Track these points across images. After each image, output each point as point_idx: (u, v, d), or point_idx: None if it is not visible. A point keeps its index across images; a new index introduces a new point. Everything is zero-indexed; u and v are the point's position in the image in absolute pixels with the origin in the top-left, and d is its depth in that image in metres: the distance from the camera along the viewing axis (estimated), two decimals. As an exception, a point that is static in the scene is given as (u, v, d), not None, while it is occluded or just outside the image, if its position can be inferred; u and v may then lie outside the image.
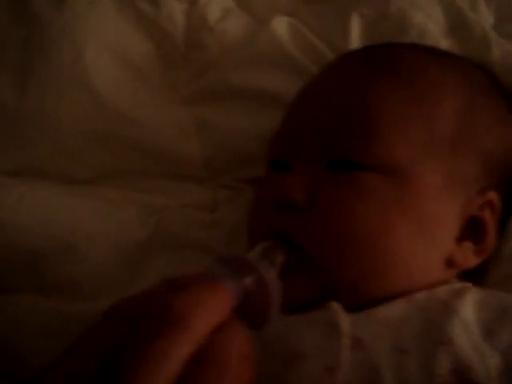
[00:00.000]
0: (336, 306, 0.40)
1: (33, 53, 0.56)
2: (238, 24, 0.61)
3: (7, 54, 0.56)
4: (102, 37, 0.58)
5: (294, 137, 0.46)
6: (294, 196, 0.41)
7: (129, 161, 0.58)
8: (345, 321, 0.38)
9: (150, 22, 0.59)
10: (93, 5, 0.58)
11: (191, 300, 0.28)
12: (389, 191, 0.41)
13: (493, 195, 0.44)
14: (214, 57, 0.60)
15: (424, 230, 0.41)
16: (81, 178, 0.58)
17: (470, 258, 0.43)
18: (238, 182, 0.58)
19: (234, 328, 0.29)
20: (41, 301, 0.51)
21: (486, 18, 0.63)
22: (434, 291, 0.42)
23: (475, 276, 0.46)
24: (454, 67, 0.48)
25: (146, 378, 0.25)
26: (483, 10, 0.64)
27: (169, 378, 0.26)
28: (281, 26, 0.60)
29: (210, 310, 0.28)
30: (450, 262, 0.43)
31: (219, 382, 0.27)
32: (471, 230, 0.43)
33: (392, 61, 0.47)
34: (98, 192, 0.57)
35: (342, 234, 0.40)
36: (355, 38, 0.60)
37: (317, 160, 0.43)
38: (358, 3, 0.61)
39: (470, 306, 0.39)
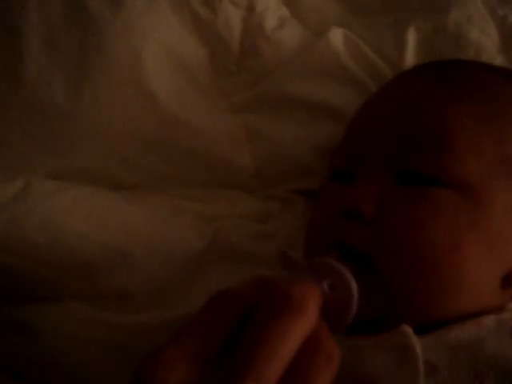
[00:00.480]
0: (408, 329, 0.39)
1: (88, 53, 0.55)
2: (294, 34, 0.60)
3: (62, 54, 0.55)
4: (158, 38, 0.56)
5: (360, 149, 0.45)
6: (364, 207, 0.41)
7: (180, 167, 0.57)
8: (417, 345, 0.37)
9: (206, 26, 0.58)
10: (150, 6, 0.56)
11: (303, 291, 0.30)
12: (460, 208, 0.40)
13: None
14: (269, 66, 0.59)
15: (492, 250, 0.41)
16: (130, 183, 0.57)
17: None
18: (290, 194, 0.58)
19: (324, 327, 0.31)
20: (90, 311, 0.50)
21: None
22: (502, 317, 0.41)
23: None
24: None
25: (268, 356, 0.28)
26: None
27: (289, 357, 0.29)
28: (337, 37, 0.59)
29: (317, 304, 0.31)
30: (509, 282, 0.42)
31: (326, 369, 0.29)
32: None
33: (464, 77, 0.47)
34: (149, 199, 0.56)
35: (410, 249, 0.40)
36: (411, 52, 0.59)
37: (385, 172, 0.43)
38: (414, 16, 0.60)
39: None
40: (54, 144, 0.55)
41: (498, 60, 0.59)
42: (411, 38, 0.60)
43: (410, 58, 0.60)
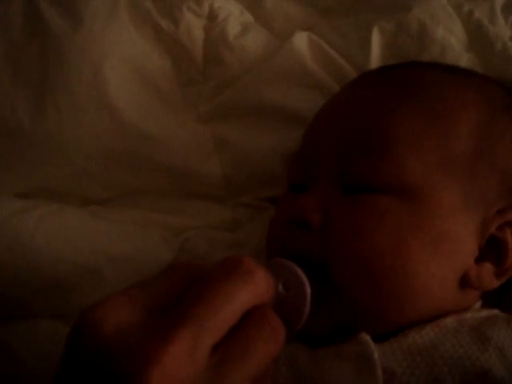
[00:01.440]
0: (366, 338, 0.39)
1: (49, 71, 0.54)
2: (258, 40, 0.59)
3: (22, 73, 0.55)
4: (120, 53, 0.56)
5: (311, 158, 0.47)
6: (309, 216, 0.42)
7: (149, 180, 0.57)
8: (376, 353, 0.38)
9: (168, 38, 0.58)
10: (110, 21, 0.56)
11: (255, 263, 0.31)
12: (402, 213, 0.41)
13: None
14: (234, 73, 0.58)
15: (440, 251, 0.41)
16: (99, 198, 0.57)
17: (489, 280, 0.43)
18: (259, 201, 0.58)
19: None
20: (62, 329, 0.50)
21: (504, 31, 0.62)
22: (463, 317, 0.41)
23: (503, 299, 0.46)
24: (473, 86, 0.47)
25: (209, 311, 0.28)
26: (501, 23, 0.63)
27: (230, 320, 0.29)
28: (301, 42, 0.59)
29: (268, 280, 0.32)
30: (465, 282, 0.42)
31: (270, 343, 0.30)
32: (491, 251, 0.43)
33: (410, 82, 0.47)
34: (117, 214, 0.56)
35: (356, 257, 0.40)
36: (376, 54, 0.59)
37: (332, 181, 0.44)
38: (378, 17, 0.60)
39: (502, 333, 0.39)
40: (21, 165, 0.55)
41: (465, 58, 0.59)
42: (376, 38, 0.59)
43: (376, 60, 0.59)
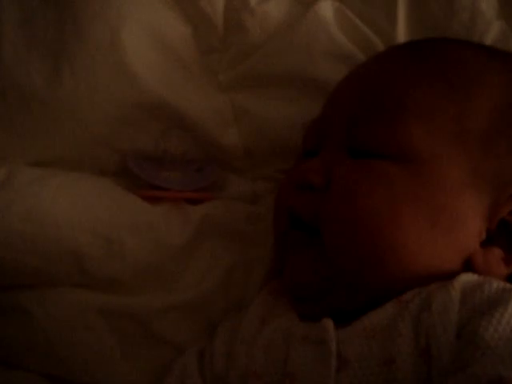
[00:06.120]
0: (328, 324, 0.40)
1: (65, 36, 0.53)
2: (281, 6, 0.57)
3: (38, 38, 0.53)
4: (137, 18, 0.54)
5: (323, 124, 0.47)
6: (312, 177, 0.43)
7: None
8: (333, 341, 0.38)
9: (187, 3, 0.56)
10: (128, -16, 0.54)
11: None
12: (402, 180, 0.40)
13: None
14: (255, 41, 0.57)
15: (437, 224, 0.40)
16: (115, 167, 0.56)
17: (496, 265, 0.41)
18: (280, 173, 0.56)
19: None
20: (82, 295, 0.50)
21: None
22: (429, 289, 0.38)
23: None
24: (500, 67, 0.46)
25: None
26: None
27: None
28: (326, 9, 0.57)
29: None
30: (469, 265, 0.40)
31: None
32: (502, 236, 0.41)
33: (433, 57, 0.46)
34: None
35: (350, 217, 0.40)
36: (402, 22, 0.57)
37: (339, 145, 0.44)
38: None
39: (451, 301, 0.36)
40: (35, 131, 0.53)
41: (495, 26, 0.57)
42: (402, 5, 0.57)
43: (402, 29, 0.57)
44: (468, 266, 0.40)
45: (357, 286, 0.41)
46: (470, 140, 0.41)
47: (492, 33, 0.56)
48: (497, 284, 0.37)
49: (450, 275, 0.39)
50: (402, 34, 0.57)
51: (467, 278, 0.38)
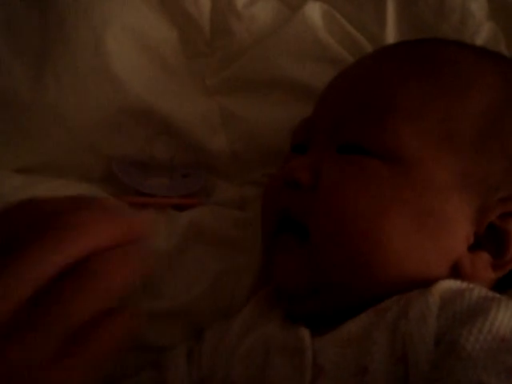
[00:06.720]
0: (304, 333, 0.39)
1: (49, 40, 0.52)
2: (268, 9, 0.57)
3: (21, 42, 0.52)
4: (122, 22, 0.54)
5: (314, 122, 0.46)
6: (299, 175, 0.42)
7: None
8: (309, 350, 0.37)
9: (173, 6, 0.55)
10: (112, -13, 0.54)
11: (87, 217, 0.28)
12: (388, 179, 0.39)
13: None
14: (242, 44, 0.56)
15: (424, 227, 0.39)
16: (101, 173, 0.56)
17: (484, 270, 0.40)
18: (268, 178, 0.56)
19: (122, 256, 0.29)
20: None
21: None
22: (409, 295, 0.37)
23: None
24: (492, 68, 0.45)
25: (16, 274, 0.26)
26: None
27: (37, 280, 0.26)
28: (314, 12, 0.56)
29: (102, 231, 0.29)
30: (457, 270, 0.39)
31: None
32: (490, 240, 0.40)
33: (423, 57, 0.45)
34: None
35: (336, 217, 0.39)
36: (391, 24, 0.57)
37: (329, 143, 0.43)
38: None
39: (429, 308, 0.35)
40: (21, 137, 0.53)
41: (486, 27, 0.56)
42: (391, 8, 0.56)
43: (392, 31, 0.57)
44: (455, 270, 0.39)
45: (343, 288, 0.40)
46: (459, 142, 0.40)
47: (482, 34, 0.55)
48: (478, 291, 0.35)
49: (437, 279, 0.37)
50: (391, 36, 0.57)
51: (448, 284, 0.37)
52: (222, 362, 0.44)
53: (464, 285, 0.37)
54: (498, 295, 0.36)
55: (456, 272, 0.39)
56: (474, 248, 0.40)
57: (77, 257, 0.27)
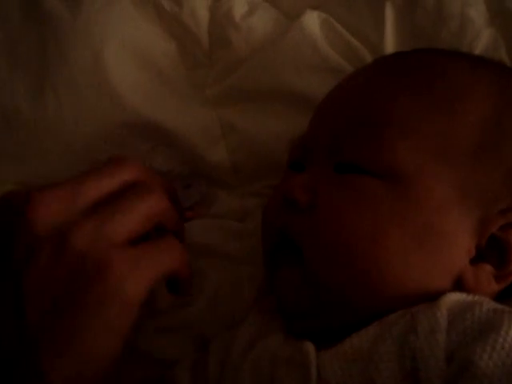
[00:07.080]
0: (309, 347, 0.38)
1: (48, 57, 0.53)
2: (266, 19, 0.57)
3: (20, 58, 0.53)
4: (120, 37, 0.54)
5: (311, 138, 0.46)
6: (297, 195, 0.41)
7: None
8: (314, 365, 0.37)
9: (171, 19, 0.56)
10: (109, 3, 0.54)
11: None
12: (386, 198, 0.39)
13: None
14: (241, 55, 0.56)
15: (425, 244, 0.38)
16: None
17: (487, 283, 0.39)
18: (269, 189, 0.55)
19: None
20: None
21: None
22: (414, 310, 0.37)
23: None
24: (489, 78, 0.44)
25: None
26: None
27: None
28: (312, 21, 0.56)
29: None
30: (460, 283, 0.39)
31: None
32: (492, 252, 0.40)
33: (419, 69, 0.44)
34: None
35: (332, 236, 0.39)
36: (390, 32, 0.56)
37: (327, 161, 0.43)
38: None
39: (437, 322, 0.35)
40: (21, 153, 0.53)
41: (486, 34, 0.56)
42: (389, 16, 0.56)
43: (391, 39, 0.56)
44: (458, 284, 0.39)
45: (343, 306, 0.39)
46: (457, 156, 0.40)
47: (482, 41, 0.55)
48: (487, 305, 0.35)
49: (440, 295, 0.37)
50: (390, 44, 0.56)
51: (454, 297, 0.37)
52: (229, 375, 0.44)
53: (470, 297, 0.37)
54: (507, 308, 0.36)
55: (459, 286, 0.39)
56: (476, 261, 0.40)
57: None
